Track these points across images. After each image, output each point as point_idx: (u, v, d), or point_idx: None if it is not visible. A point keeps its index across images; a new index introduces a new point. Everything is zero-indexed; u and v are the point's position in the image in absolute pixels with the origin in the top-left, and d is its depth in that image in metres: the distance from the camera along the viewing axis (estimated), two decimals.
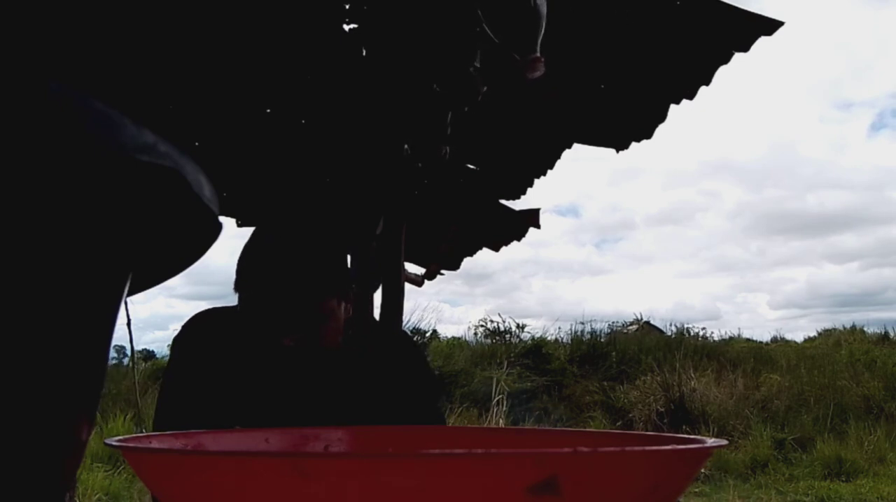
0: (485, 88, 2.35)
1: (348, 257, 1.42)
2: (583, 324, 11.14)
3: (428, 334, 11.01)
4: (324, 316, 1.35)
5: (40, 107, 0.26)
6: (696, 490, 6.30)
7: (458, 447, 0.31)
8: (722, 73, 2.62)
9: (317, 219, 1.44)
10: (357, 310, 1.47)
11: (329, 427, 0.63)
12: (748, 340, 12.23)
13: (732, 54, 2.55)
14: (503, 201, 3.86)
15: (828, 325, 13.39)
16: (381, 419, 1.26)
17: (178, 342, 1.49)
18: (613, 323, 12.04)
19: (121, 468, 6.02)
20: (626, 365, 9.86)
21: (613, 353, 10.17)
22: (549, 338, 11.02)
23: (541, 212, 3.91)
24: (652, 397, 8.69)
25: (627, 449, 0.35)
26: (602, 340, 10.85)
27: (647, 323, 12.51)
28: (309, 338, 1.36)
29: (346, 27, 2.55)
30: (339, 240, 1.41)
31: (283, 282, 1.32)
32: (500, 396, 8.12)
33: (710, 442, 0.42)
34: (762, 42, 2.48)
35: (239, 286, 1.36)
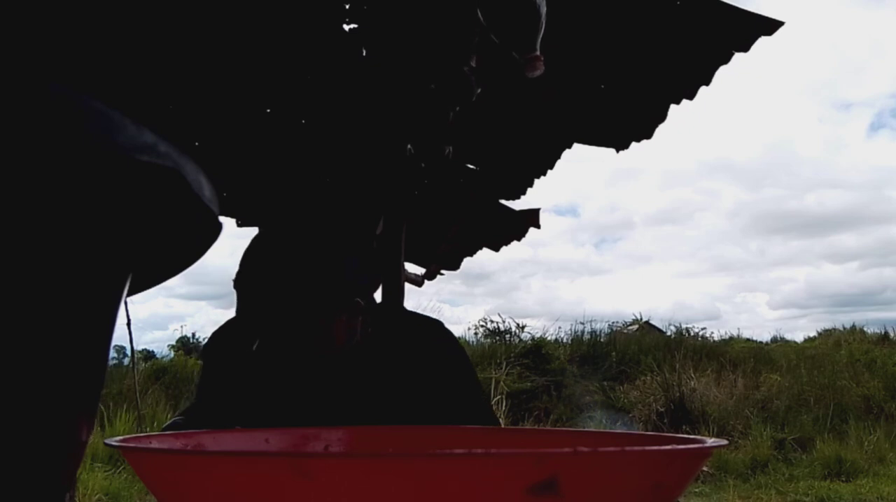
0: (479, 90, 2.35)
1: (354, 265, 1.36)
2: (583, 324, 11.15)
3: None
4: (324, 325, 1.33)
5: (40, 107, 0.26)
6: (696, 490, 6.30)
7: (458, 447, 0.31)
8: (722, 72, 2.62)
9: (322, 225, 1.40)
10: (373, 304, 1.43)
11: (329, 427, 0.63)
12: (748, 340, 12.22)
13: (732, 54, 2.55)
14: (503, 201, 3.86)
15: (827, 325, 13.38)
16: (422, 421, 1.21)
17: (205, 351, 1.51)
18: (613, 323, 12.05)
19: (121, 468, 6.02)
20: (626, 365, 9.86)
21: (613, 353, 10.16)
22: (549, 338, 11.03)
23: (540, 211, 3.91)
24: (652, 397, 8.69)
25: (627, 449, 0.35)
26: (602, 340, 10.85)
27: (647, 323, 12.50)
28: (311, 344, 1.33)
29: (346, 27, 2.55)
30: (347, 243, 1.37)
31: (284, 292, 1.29)
32: (500, 396, 8.12)
33: (710, 442, 0.42)
34: (762, 42, 2.48)
35: (239, 289, 1.34)
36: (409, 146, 2.75)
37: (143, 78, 2.41)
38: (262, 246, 1.35)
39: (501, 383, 8.49)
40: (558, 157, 3.42)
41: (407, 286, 3.25)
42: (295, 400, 1.38)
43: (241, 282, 1.32)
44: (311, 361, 1.35)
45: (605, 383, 9.41)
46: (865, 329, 11.49)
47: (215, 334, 1.50)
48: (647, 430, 7.79)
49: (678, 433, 2.92)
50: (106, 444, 0.44)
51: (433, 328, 1.49)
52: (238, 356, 1.42)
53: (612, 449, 0.35)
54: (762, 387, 8.93)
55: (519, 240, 4.08)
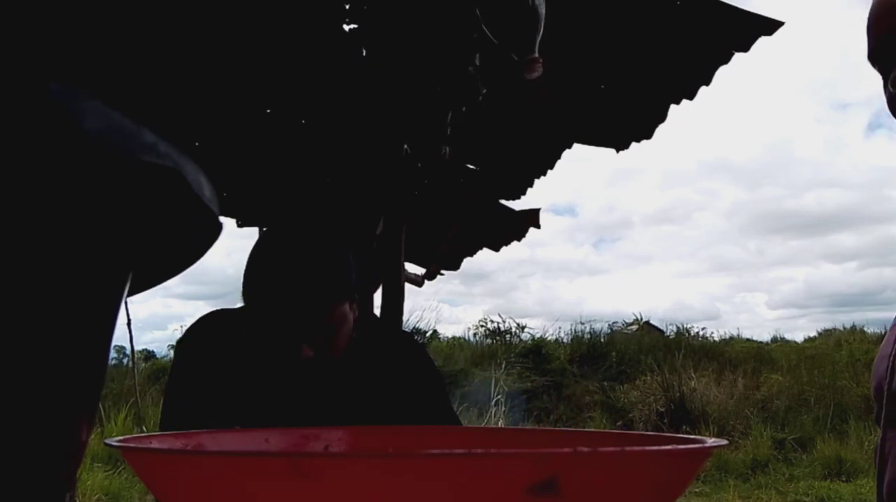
0: (485, 90, 2.35)
1: (351, 257, 1.40)
2: (583, 324, 11.16)
3: (428, 334, 11.03)
4: (336, 324, 1.34)
5: (41, 108, 0.26)
6: (696, 490, 6.31)
7: (458, 447, 0.31)
8: (722, 72, 2.63)
9: (320, 223, 1.42)
10: (359, 310, 1.46)
11: (329, 427, 0.63)
12: (748, 340, 12.22)
13: (732, 54, 2.55)
14: (503, 201, 3.86)
15: (826, 325, 13.38)
16: (392, 421, 1.24)
17: (182, 345, 1.49)
18: (613, 323, 12.06)
19: (121, 468, 6.03)
20: (626, 365, 9.86)
21: (613, 353, 10.17)
22: (548, 338, 11.04)
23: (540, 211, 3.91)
24: (652, 397, 8.70)
25: (627, 449, 0.35)
26: (602, 340, 10.86)
27: (647, 323, 12.51)
28: (324, 347, 1.35)
29: (346, 27, 2.56)
30: (345, 242, 1.39)
31: (294, 297, 1.30)
32: (500, 396, 8.13)
33: (710, 442, 0.42)
34: (762, 42, 2.48)
35: (248, 298, 1.35)
36: (405, 146, 2.75)
37: (143, 78, 2.41)
38: (265, 246, 1.36)
39: (501, 383, 8.49)
40: (558, 157, 3.42)
41: (407, 286, 3.25)
42: (279, 400, 1.39)
43: (246, 281, 1.34)
44: (304, 362, 1.35)
45: (605, 383, 9.41)
46: (865, 329, 11.50)
47: (193, 328, 1.49)
48: (647, 430, 7.79)
49: (678, 433, 2.92)
50: (106, 444, 0.44)
51: (406, 339, 1.64)
52: (223, 352, 1.42)
53: (612, 449, 0.35)
54: (762, 387, 8.93)
55: (519, 240, 4.08)
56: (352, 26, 2.56)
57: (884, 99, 0.94)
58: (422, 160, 2.76)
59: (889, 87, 0.89)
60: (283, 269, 1.32)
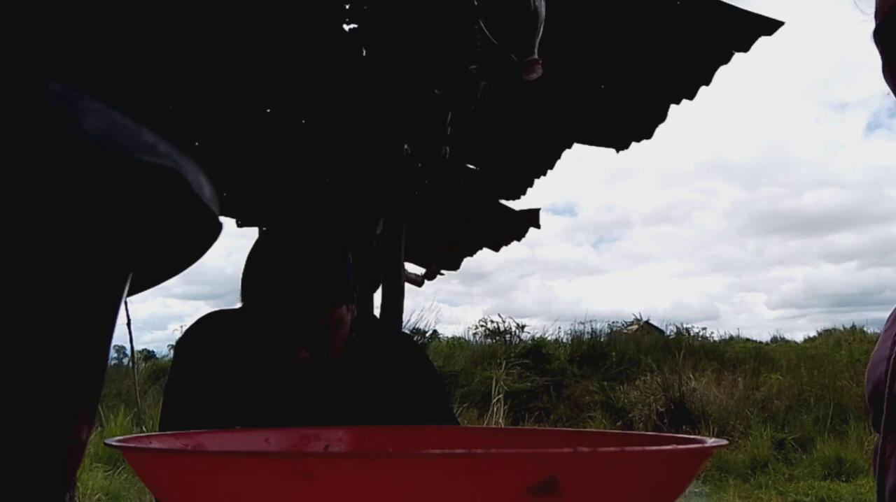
0: (483, 83, 2.35)
1: (350, 259, 1.40)
2: (583, 324, 11.18)
3: (428, 334, 11.04)
4: (332, 326, 1.35)
5: (40, 107, 0.26)
6: (696, 490, 6.31)
7: (458, 447, 0.31)
8: (722, 72, 2.62)
9: (319, 225, 1.42)
10: (358, 310, 1.46)
11: (329, 427, 0.63)
12: (748, 340, 12.23)
13: (732, 54, 2.55)
14: (503, 201, 3.86)
15: (826, 325, 13.39)
16: (391, 422, 1.25)
17: (181, 346, 1.49)
18: (613, 323, 12.07)
19: (121, 468, 6.03)
20: (626, 365, 9.87)
21: (613, 353, 10.18)
22: (548, 338, 11.05)
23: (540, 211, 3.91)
24: (652, 397, 8.70)
25: (627, 449, 0.35)
26: (602, 340, 10.87)
27: (647, 323, 12.51)
28: (320, 348, 1.35)
29: (346, 27, 2.56)
30: (343, 244, 1.39)
31: (290, 299, 1.30)
32: (500, 396, 8.13)
33: (710, 442, 0.42)
34: (762, 42, 2.48)
35: (245, 299, 1.35)
36: (405, 146, 2.75)
37: (143, 78, 2.41)
38: (262, 249, 1.37)
39: (501, 383, 8.50)
40: (558, 157, 3.42)
41: (407, 286, 3.25)
42: (279, 401, 1.39)
43: (244, 282, 1.34)
44: (300, 363, 1.35)
45: (605, 383, 9.41)
46: (865, 329, 11.49)
47: (192, 329, 1.49)
48: (647, 430, 7.79)
49: (678, 433, 2.92)
50: (106, 444, 0.44)
51: (404, 340, 1.65)
52: (222, 353, 1.42)
53: (612, 449, 0.35)
54: (762, 387, 8.93)
55: (519, 240, 4.08)
56: (352, 26, 2.56)
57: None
58: (422, 160, 2.76)
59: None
60: (280, 273, 1.32)
